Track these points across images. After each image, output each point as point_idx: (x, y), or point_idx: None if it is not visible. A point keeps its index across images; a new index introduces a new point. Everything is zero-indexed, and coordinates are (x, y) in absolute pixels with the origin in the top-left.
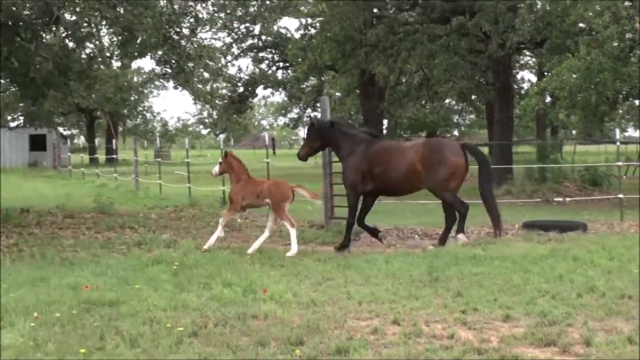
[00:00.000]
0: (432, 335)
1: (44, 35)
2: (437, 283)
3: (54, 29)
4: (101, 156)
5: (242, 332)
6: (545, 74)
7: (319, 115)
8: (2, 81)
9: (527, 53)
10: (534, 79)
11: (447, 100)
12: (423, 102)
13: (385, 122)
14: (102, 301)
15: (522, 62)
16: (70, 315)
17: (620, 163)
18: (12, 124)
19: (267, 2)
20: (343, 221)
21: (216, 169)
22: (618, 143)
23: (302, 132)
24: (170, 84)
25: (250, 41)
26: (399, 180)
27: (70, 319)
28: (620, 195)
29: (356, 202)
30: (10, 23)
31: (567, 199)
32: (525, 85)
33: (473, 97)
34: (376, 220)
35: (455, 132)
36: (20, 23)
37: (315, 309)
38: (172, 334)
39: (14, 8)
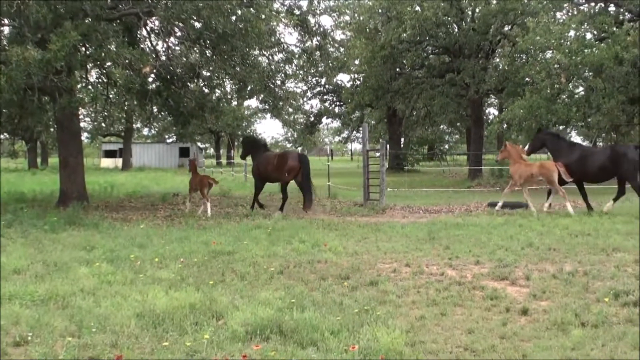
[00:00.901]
0: (430, 273)
1: (189, 84)
2: (433, 241)
3: (196, 80)
4: (223, 160)
5: (311, 271)
6: (504, 109)
7: (360, 135)
8: (162, 113)
9: (493, 96)
10: (496, 112)
11: (441, 126)
12: (427, 127)
13: (402, 139)
14: (223, 251)
15: (489, 102)
16: (203, 260)
17: None
18: (168, 140)
19: (330, 64)
20: (375, 201)
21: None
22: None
23: (350, 145)
24: (268, 115)
25: (318, 88)
26: (269, 174)
27: (203, 263)
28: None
29: (261, 187)
30: (168, 77)
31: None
32: (491, 117)
33: (458, 124)
34: (397, 201)
35: (446, 146)
36: (175, 77)
37: (357, 257)
38: (267, 272)
39: (171, 67)
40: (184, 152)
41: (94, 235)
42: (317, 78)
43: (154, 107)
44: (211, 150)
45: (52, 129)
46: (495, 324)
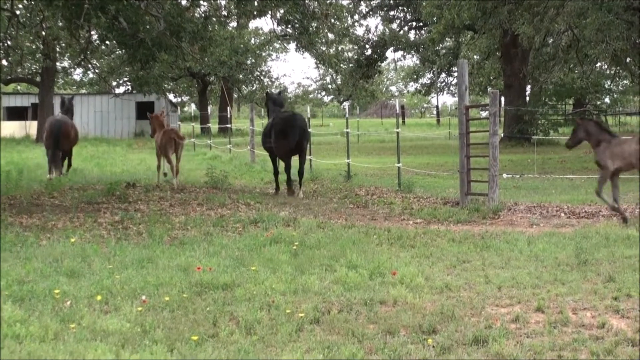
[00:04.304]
0: (581, 324)
1: None
2: (585, 266)
3: None
4: (214, 126)
5: (369, 319)
6: None
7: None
8: (107, 43)
9: None
10: None
11: (598, 64)
12: (571, 65)
13: (528, 87)
14: (215, 284)
15: None
16: (181, 299)
17: None
18: (118, 90)
19: None
20: (481, 197)
21: None
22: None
23: (436, 98)
24: (292, 46)
25: None
26: None
27: (180, 303)
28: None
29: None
30: None
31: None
32: None
33: (628, 60)
34: (519, 196)
35: (607, 100)
36: None
37: (450, 294)
38: (292, 320)
39: None
40: (145, 111)
41: None
42: None
43: (93, 32)
44: (192, 108)
45: None
46: None
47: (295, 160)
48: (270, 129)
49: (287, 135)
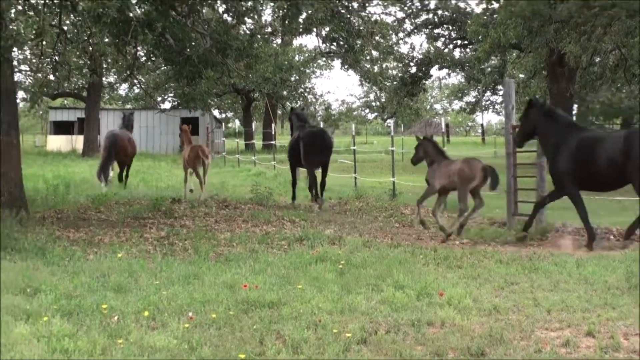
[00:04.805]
0: (632, 350)
1: (201, 9)
2: (636, 291)
3: (211, 2)
4: (258, 142)
5: (417, 340)
6: None
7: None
8: (154, 59)
9: None
10: None
11: None
12: (619, 85)
13: (574, 107)
14: (261, 302)
15: None
16: (227, 316)
17: None
18: (163, 106)
19: None
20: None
21: None
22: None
23: (481, 117)
24: (336, 63)
25: (424, 16)
26: None
27: (227, 321)
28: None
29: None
30: None
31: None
32: None
33: None
34: (567, 218)
35: None
36: None
37: (498, 317)
38: (339, 340)
39: None
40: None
41: (37, 268)
42: None
43: (140, 49)
44: (237, 124)
45: None
46: None
47: (318, 173)
48: (298, 143)
49: (316, 150)
